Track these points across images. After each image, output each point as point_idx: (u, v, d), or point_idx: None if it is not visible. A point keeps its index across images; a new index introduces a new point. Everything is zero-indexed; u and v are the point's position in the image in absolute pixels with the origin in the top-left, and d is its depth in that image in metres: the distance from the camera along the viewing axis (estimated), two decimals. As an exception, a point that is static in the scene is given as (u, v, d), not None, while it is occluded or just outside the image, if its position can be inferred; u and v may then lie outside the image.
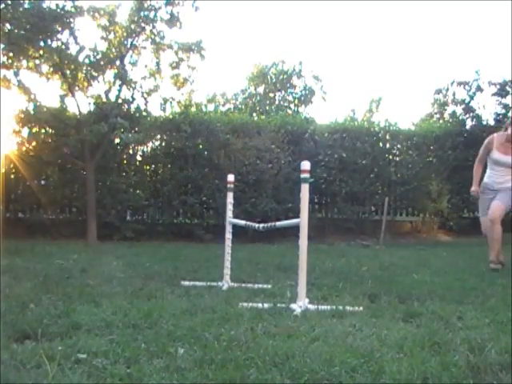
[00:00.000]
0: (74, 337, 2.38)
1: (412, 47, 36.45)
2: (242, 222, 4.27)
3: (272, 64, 23.99)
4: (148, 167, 9.06)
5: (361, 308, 3.14)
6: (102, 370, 1.95)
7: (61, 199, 8.44)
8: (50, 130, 8.20)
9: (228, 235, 4.30)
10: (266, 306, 3.17)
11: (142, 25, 7.81)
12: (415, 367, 2.00)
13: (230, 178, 4.42)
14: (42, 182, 8.56)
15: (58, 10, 7.15)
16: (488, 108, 11.91)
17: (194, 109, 8.98)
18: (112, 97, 7.91)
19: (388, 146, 9.92)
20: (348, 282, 4.12)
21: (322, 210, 9.70)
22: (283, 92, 24.16)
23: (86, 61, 7.61)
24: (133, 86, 7.92)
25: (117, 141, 8.23)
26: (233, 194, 4.37)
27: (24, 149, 8.18)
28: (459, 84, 10.46)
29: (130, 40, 7.92)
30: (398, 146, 9.93)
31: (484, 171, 5.56)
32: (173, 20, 7.85)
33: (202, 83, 9.46)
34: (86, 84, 7.82)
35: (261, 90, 24.12)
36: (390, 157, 9.94)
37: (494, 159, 5.39)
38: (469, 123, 10.26)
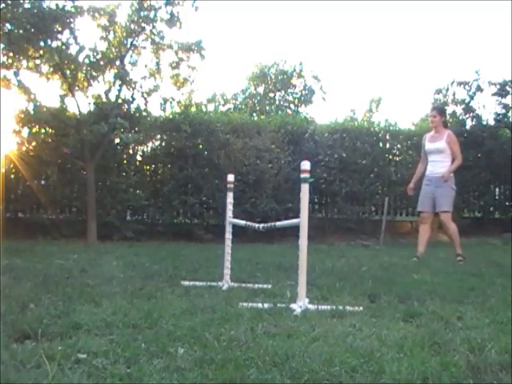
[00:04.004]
0: (74, 337, 2.38)
1: (412, 47, 36.47)
2: (242, 222, 4.27)
3: (272, 64, 23.99)
4: (148, 167, 9.06)
5: (361, 308, 3.14)
6: (102, 370, 1.95)
7: (61, 199, 8.43)
8: (50, 130, 8.21)
9: (228, 235, 4.29)
10: (265, 306, 3.16)
11: (142, 25, 7.81)
12: (415, 367, 2.00)
13: (230, 177, 4.42)
14: (42, 182, 8.55)
15: (58, 10, 7.15)
16: (488, 108, 11.89)
17: (193, 109, 8.97)
18: (112, 97, 7.91)
19: (388, 146, 9.92)
20: (348, 282, 4.12)
21: (322, 210, 9.69)
22: (283, 92, 24.16)
23: (86, 61, 7.60)
24: (133, 85, 7.92)
25: (117, 141, 8.23)
26: (233, 193, 4.37)
27: (24, 149, 8.18)
28: (459, 84, 10.45)
29: (129, 40, 7.92)
30: (398, 145, 9.93)
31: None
32: (173, 20, 7.85)
33: (202, 83, 9.47)
34: (85, 84, 7.82)
35: (261, 90, 24.13)
36: (390, 157, 9.94)
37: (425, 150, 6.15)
38: (469, 123, 10.25)
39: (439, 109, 6.48)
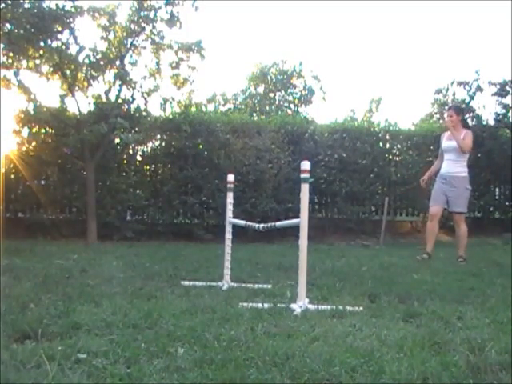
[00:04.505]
0: (74, 337, 2.38)
1: (412, 47, 36.47)
2: (242, 222, 4.27)
3: (272, 64, 24.01)
4: (148, 167, 9.05)
5: (361, 308, 3.14)
6: (102, 370, 1.95)
7: (61, 199, 8.43)
8: (50, 130, 8.20)
9: (228, 235, 4.29)
10: (266, 305, 3.16)
11: (142, 25, 7.81)
12: (415, 367, 2.00)
13: (230, 177, 4.42)
14: (42, 182, 8.55)
15: (58, 10, 7.15)
16: (488, 108, 11.89)
17: (194, 109, 8.97)
18: (112, 97, 7.90)
19: (388, 146, 9.91)
20: (348, 282, 4.12)
21: (322, 210, 9.69)
22: (283, 92, 24.16)
23: (86, 61, 7.60)
24: (133, 85, 7.91)
25: (117, 141, 8.23)
26: (233, 193, 4.37)
27: (24, 149, 8.18)
28: (459, 84, 10.45)
29: (129, 40, 7.91)
30: (398, 146, 9.92)
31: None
32: (173, 20, 7.84)
33: (202, 83, 9.47)
34: (85, 84, 7.82)
35: (261, 90, 24.13)
36: (390, 157, 9.93)
37: (442, 148, 6.16)
38: (469, 123, 10.25)
39: (455, 107, 6.44)
